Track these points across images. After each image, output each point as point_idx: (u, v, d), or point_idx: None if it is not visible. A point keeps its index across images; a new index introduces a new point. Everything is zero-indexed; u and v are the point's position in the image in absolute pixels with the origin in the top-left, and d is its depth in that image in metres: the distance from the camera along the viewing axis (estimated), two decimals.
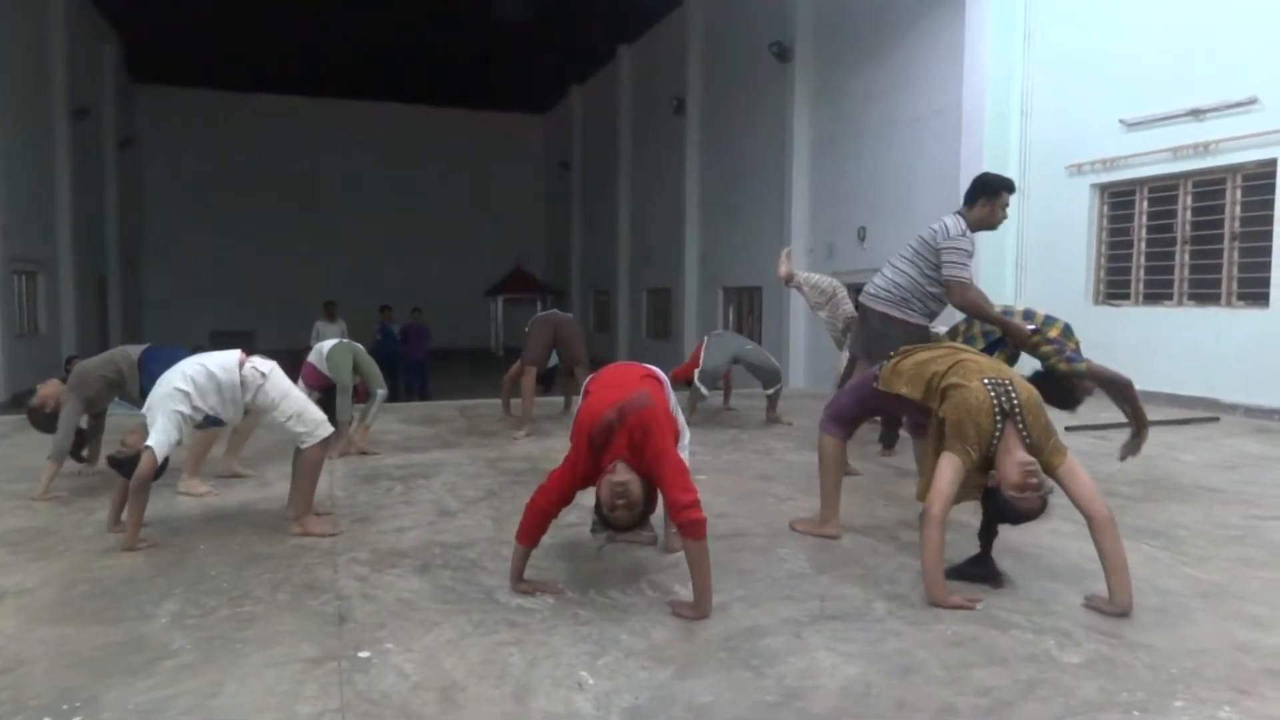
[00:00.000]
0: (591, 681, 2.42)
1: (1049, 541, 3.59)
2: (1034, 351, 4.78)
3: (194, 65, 25.24)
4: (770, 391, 7.35)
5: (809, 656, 2.59)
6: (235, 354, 4.01)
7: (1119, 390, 4.71)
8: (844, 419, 3.84)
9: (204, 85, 27.23)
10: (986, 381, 3.09)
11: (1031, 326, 4.80)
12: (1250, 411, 7.67)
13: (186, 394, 3.79)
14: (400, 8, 20.72)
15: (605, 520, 2.96)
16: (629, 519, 2.91)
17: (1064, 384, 4.59)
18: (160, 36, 22.81)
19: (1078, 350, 4.73)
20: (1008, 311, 4.95)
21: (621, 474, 2.88)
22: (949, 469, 3.03)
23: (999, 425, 3.01)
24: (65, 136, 18.48)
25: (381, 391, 6.05)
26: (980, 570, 3.20)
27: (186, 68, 25.51)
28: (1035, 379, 4.47)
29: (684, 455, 3.23)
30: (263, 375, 3.96)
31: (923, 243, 4.95)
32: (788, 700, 2.32)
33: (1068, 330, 4.77)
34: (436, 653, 2.60)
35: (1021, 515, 3.01)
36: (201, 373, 3.86)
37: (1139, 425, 4.69)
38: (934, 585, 2.99)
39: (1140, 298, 9.24)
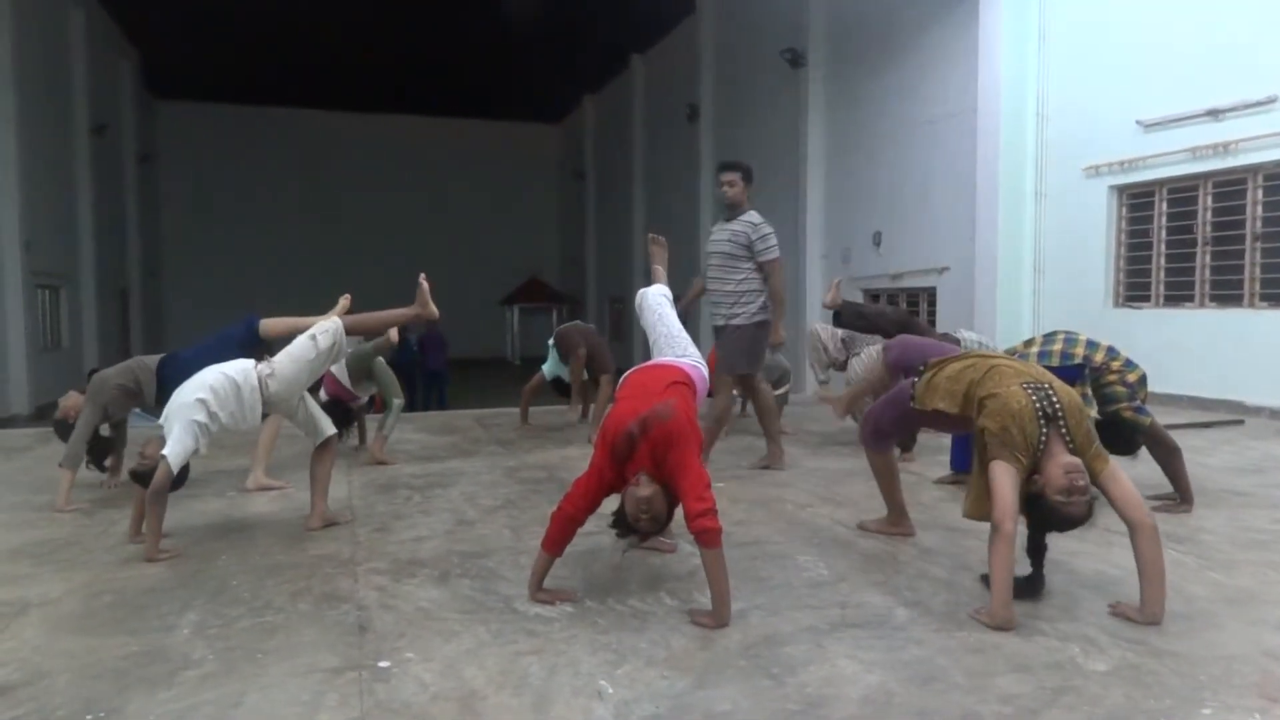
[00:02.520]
0: (611, 690, 2.41)
1: (1074, 547, 3.55)
2: (1101, 378, 4.38)
3: (212, 80, 25.56)
4: (780, 391, 7.31)
5: (829, 664, 2.57)
6: (249, 360, 4.08)
7: (1168, 454, 4.43)
8: (884, 435, 3.84)
9: (222, 100, 27.57)
10: (1026, 385, 2.97)
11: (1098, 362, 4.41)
12: (1276, 414, 7.57)
13: (204, 402, 3.81)
14: (414, 21, 20.89)
15: (628, 527, 3.02)
16: (652, 529, 3.03)
17: (1124, 430, 4.31)
18: (179, 52, 23.12)
19: (1145, 402, 4.45)
20: (1113, 352, 4.49)
21: (645, 488, 2.92)
22: (1007, 480, 2.85)
23: (1043, 430, 2.89)
24: (86, 152, 18.75)
25: (399, 401, 6.10)
26: (1032, 589, 3.05)
27: (205, 83, 25.85)
28: (1095, 425, 4.31)
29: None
30: (271, 364, 4.05)
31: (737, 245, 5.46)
32: (808, 709, 2.31)
33: (1144, 380, 4.46)
34: (456, 662, 2.61)
35: (1068, 522, 2.87)
36: (221, 380, 3.90)
37: (1183, 497, 4.42)
38: (1004, 606, 2.80)
39: (1161, 300, 9.15)
